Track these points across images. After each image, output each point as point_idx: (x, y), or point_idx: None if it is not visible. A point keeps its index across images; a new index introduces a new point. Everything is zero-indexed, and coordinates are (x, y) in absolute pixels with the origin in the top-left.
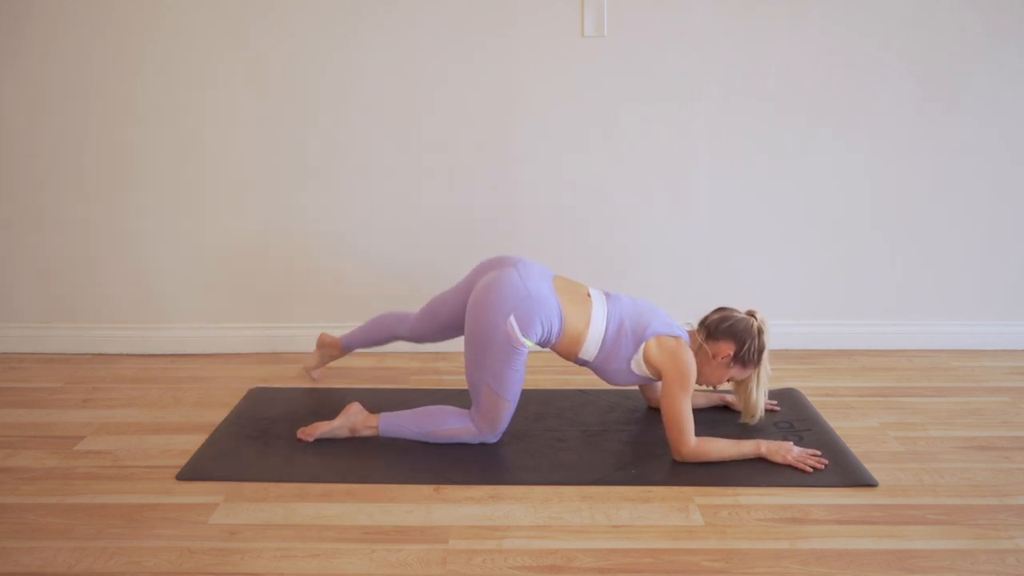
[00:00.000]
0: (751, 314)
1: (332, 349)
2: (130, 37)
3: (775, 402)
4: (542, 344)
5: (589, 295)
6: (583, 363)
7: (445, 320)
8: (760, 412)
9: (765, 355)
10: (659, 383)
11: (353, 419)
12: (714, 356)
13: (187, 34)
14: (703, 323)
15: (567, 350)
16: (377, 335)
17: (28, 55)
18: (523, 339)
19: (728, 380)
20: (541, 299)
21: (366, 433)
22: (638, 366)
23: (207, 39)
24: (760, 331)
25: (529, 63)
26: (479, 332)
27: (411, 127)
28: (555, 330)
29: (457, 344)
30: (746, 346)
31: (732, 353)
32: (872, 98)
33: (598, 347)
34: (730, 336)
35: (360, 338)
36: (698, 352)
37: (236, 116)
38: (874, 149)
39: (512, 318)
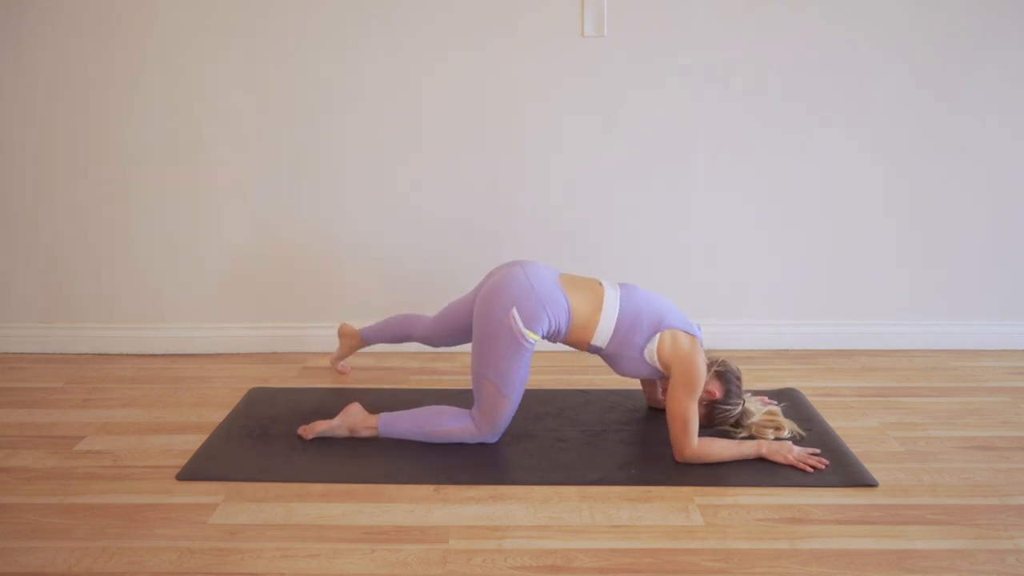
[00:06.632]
0: (747, 399)
1: (352, 339)
2: (130, 37)
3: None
4: (551, 338)
5: (601, 284)
6: (596, 350)
7: (454, 325)
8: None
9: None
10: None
11: (352, 419)
12: None
13: (186, 35)
14: (720, 360)
15: (579, 338)
16: (393, 333)
17: (27, 56)
18: (526, 332)
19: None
20: (546, 293)
21: (365, 434)
22: (651, 356)
23: (206, 40)
24: (742, 414)
25: (529, 63)
26: (484, 326)
27: (411, 127)
28: (564, 323)
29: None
30: (727, 404)
31: (715, 396)
32: (872, 98)
33: (611, 333)
34: (725, 387)
35: (377, 334)
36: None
37: (236, 117)
38: (875, 149)
39: (514, 310)
